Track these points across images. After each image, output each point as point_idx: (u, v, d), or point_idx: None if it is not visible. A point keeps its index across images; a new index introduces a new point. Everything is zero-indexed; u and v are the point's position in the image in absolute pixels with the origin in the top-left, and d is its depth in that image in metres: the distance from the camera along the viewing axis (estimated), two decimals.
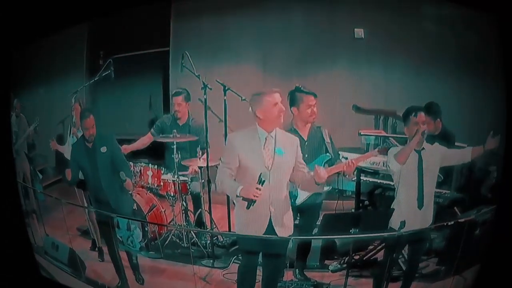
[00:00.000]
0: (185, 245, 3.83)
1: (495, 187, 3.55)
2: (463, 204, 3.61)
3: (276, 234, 3.05)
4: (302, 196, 3.47)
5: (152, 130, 3.97)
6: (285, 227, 3.10)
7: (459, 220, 3.46)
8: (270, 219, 3.02)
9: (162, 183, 3.89)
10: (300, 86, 3.40)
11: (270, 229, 3.04)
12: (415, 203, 3.30)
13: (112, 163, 3.64)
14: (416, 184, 3.28)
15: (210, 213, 3.82)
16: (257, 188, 2.87)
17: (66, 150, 3.89)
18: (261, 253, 3.21)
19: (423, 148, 3.30)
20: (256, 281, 3.23)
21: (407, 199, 3.32)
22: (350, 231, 3.32)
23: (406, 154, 3.26)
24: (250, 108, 3.02)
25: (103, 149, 3.62)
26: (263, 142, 3.01)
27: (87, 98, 3.90)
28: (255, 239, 3.08)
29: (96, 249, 4.00)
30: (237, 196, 2.94)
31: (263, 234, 3.04)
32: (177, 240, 3.88)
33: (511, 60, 3.32)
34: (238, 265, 3.42)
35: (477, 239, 3.48)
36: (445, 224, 3.48)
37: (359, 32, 3.57)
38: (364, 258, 3.68)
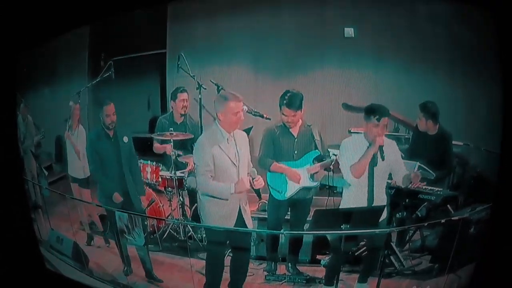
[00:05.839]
0: (182, 239, 3.94)
1: (490, 186, 3.50)
2: (456, 202, 3.60)
3: (246, 226, 3.28)
4: (291, 190, 3.56)
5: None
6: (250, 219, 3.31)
7: (452, 218, 3.45)
8: (240, 212, 3.24)
9: (160, 179, 3.99)
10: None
11: (241, 222, 3.26)
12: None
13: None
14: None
15: None
16: (254, 180, 3.22)
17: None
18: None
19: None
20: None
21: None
22: (341, 227, 3.37)
23: (362, 168, 3.29)
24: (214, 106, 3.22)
25: (125, 139, 3.76)
26: (226, 141, 3.22)
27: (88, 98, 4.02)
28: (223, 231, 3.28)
29: (92, 243, 4.15)
30: (232, 193, 3.18)
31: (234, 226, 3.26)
32: (175, 234, 3.98)
33: (508, 55, 3.26)
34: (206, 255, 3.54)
35: (472, 237, 3.46)
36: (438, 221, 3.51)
37: (349, 31, 3.59)
38: (356, 254, 3.71)
